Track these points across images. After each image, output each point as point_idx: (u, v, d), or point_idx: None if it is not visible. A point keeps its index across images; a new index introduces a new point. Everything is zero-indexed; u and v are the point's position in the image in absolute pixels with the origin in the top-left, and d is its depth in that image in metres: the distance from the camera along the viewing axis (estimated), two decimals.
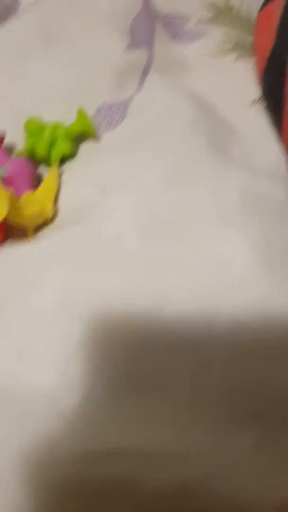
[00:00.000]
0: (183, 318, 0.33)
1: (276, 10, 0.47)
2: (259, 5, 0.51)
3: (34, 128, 0.46)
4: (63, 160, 0.48)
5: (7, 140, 0.48)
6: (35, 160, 0.47)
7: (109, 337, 0.34)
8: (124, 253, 0.39)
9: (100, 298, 0.38)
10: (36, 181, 0.47)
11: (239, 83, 0.49)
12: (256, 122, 0.47)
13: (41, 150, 0.46)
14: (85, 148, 0.49)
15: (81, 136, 0.49)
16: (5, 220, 0.41)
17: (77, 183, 0.46)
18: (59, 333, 0.37)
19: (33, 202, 0.43)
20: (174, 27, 0.55)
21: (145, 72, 0.52)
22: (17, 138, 0.48)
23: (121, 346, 0.34)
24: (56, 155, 0.47)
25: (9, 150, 0.48)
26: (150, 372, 0.33)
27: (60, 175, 0.47)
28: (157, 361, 0.33)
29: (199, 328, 0.33)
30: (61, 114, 0.49)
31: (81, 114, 0.47)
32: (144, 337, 0.34)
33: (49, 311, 0.38)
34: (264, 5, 0.51)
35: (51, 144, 0.46)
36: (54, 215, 0.45)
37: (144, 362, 0.33)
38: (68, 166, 0.48)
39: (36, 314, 0.38)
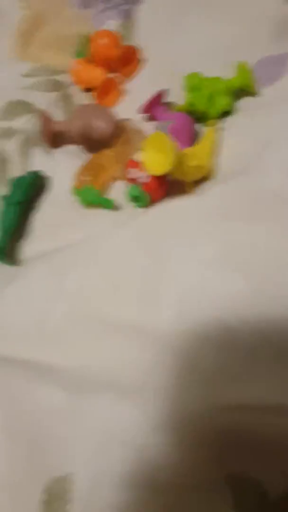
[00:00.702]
0: None
1: None
2: None
3: (194, 83, 0.47)
4: (221, 115, 0.47)
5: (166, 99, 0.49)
6: (193, 116, 0.47)
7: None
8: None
9: (260, 252, 0.38)
10: (195, 136, 0.47)
11: None
12: None
13: (200, 105, 0.46)
14: (244, 103, 0.48)
15: (239, 91, 0.48)
16: (167, 175, 0.42)
17: (238, 137, 0.45)
18: (219, 286, 0.37)
19: (194, 156, 0.43)
20: None
21: None
22: (176, 97, 0.49)
23: None
24: (215, 110, 0.46)
25: (169, 107, 0.49)
26: None
27: (219, 130, 0.46)
28: None
29: None
30: (219, 70, 0.48)
31: (242, 68, 0.46)
32: None
33: (210, 264, 0.38)
34: None
35: (211, 98, 0.46)
36: (214, 169, 0.45)
37: None
38: (227, 121, 0.47)
39: (197, 266, 0.39)
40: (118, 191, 0.47)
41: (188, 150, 0.44)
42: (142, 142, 0.46)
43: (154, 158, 0.40)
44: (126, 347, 0.37)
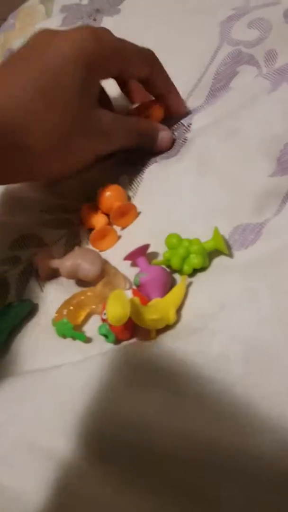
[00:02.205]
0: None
1: None
2: None
3: (172, 243, 0.54)
4: (195, 271, 0.53)
5: (152, 249, 0.56)
6: (170, 269, 0.54)
7: None
8: (229, 375, 0.43)
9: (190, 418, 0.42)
10: (169, 287, 0.53)
11: None
12: None
13: (175, 263, 0.53)
14: (217, 263, 0.54)
15: (215, 251, 0.54)
16: (131, 320, 0.48)
17: (201, 295, 0.51)
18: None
19: (156, 309, 0.49)
20: None
21: (286, 198, 0.55)
22: (158, 249, 0.56)
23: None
24: (188, 268, 0.53)
25: (153, 257, 0.56)
26: None
27: (188, 286, 0.52)
28: None
29: None
30: (201, 231, 0.55)
31: (216, 233, 0.53)
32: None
33: (153, 412, 0.43)
34: None
35: (185, 258, 0.53)
36: (177, 321, 0.50)
37: None
38: (198, 277, 0.53)
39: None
40: (95, 324, 0.53)
41: (153, 302, 0.50)
42: (121, 286, 0.53)
43: (113, 311, 0.46)
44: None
